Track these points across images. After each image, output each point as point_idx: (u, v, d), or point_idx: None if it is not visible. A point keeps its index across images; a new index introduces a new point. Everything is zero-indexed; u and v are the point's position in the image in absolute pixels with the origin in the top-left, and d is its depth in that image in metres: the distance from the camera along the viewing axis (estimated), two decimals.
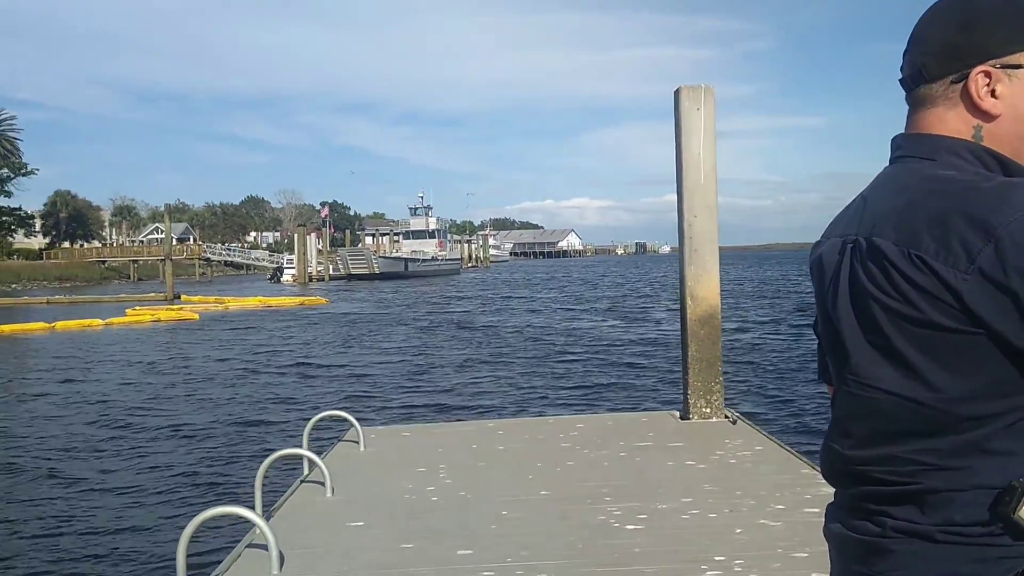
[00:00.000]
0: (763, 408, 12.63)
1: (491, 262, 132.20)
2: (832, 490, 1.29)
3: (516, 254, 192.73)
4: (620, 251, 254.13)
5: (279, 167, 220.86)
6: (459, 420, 11.15)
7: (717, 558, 4.02)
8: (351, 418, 6.94)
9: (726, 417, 7.09)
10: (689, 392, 7.15)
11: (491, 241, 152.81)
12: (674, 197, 7.31)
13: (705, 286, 7.14)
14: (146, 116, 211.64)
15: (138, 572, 6.90)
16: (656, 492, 5.19)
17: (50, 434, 12.48)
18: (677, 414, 7.44)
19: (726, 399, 7.34)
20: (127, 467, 10.32)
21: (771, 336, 23.00)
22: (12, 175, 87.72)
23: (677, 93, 7.09)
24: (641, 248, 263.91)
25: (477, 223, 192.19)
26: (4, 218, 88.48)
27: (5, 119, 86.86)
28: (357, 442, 6.75)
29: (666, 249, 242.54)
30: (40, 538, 7.74)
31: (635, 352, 20.27)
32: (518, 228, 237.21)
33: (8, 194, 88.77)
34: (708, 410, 7.08)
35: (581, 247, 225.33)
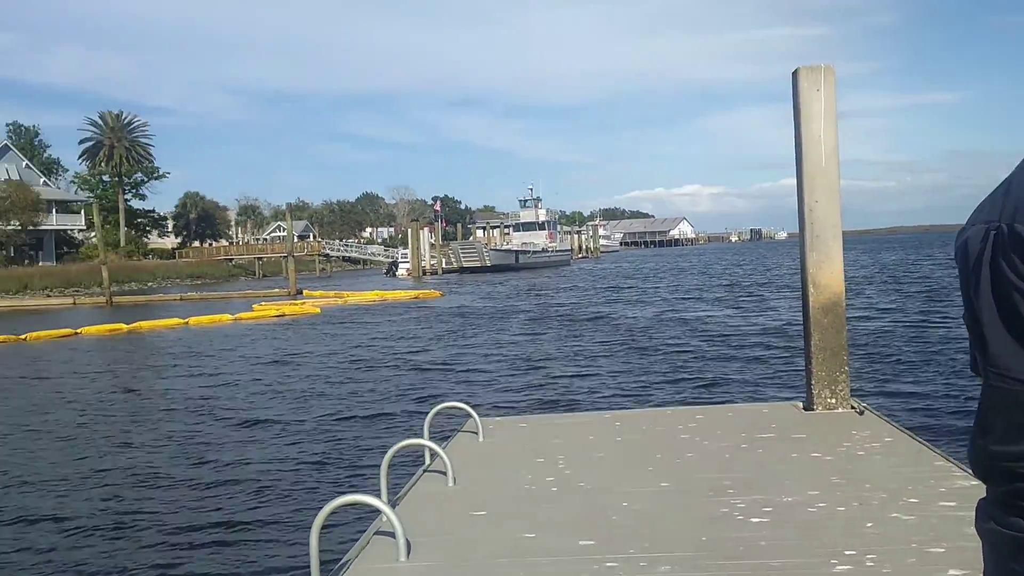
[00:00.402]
0: (891, 399, 12.14)
1: (601, 252, 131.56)
2: (972, 483, 1.25)
3: (626, 244, 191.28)
4: (734, 238, 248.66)
5: (392, 163, 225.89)
6: (575, 411, 11.19)
7: (847, 552, 3.91)
8: (469, 409, 7.06)
9: (852, 408, 6.86)
10: (813, 382, 6.95)
11: (601, 231, 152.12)
12: (791, 181, 7.11)
13: (828, 273, 6.92)
14: (269, 119, 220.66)
15: (273, 558, 7.23)
16: (781, 484, 5.08)
17: (184, 427, 13.20)
18: (800, 405, 7.24)
19: (851, 389, 7.10)
20: (257, 458, 10.80)
21: (898, 324, 22.06)
22: (146, 179, 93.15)
23: (795, 74, 6.88)
24: (756, 235, 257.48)
25: (586, 213, 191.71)
26: (139, 220, 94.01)
27: (138, 126, 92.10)
28: (476, 433, 6.86)
29: (782, 235, 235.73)
30: (174, 529, 8.17)
31: (753, 342, 19.82)
32: (628, 217, 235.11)
33: (142, 197, 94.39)
34: (833, 400, 6.87)
35: (693, 235, 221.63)
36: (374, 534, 4.52)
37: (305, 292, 48.72)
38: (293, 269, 51.67)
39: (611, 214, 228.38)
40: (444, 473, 5.54)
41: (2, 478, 10.38)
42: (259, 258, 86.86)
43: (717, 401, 12.34)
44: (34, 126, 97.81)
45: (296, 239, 79.25)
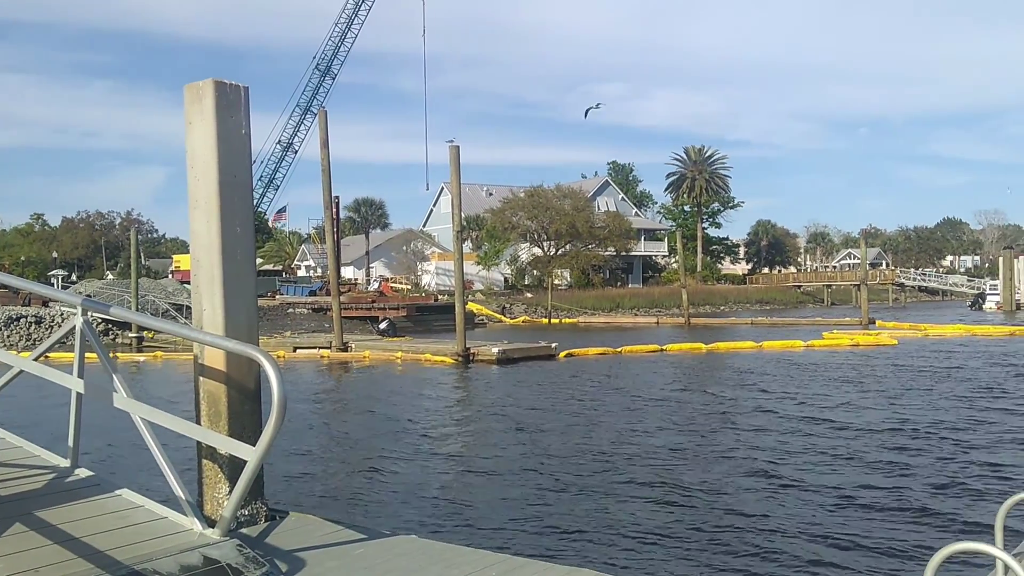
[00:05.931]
0: None
1: None
2: None
3: None
4: None
5: (980, 187, 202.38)
6: None
7: None
8: None
9: None
10: None
11: None
12: None
13: None
14: (843, 145, 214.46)
15: None
16: None
17: (770, 447, 13.68)
18: None
19: None
20: (866, 488, 10.74)
21: None
22: (722, 208, 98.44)
23: None
24: None
25: None
26: (714, 247, 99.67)
27: (718, 159, 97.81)
28: None
29: None
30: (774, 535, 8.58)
31: None
32: None
33: (718, 225, 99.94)
34: None
35: None
36: None
37: (878, 323, 46.63)
38: (866, 298, 49.75)
39: None
40: None
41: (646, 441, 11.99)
42: (828, 285, 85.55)
43: None
44: (629, 163, 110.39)
45: (868, 267, 76.32)
